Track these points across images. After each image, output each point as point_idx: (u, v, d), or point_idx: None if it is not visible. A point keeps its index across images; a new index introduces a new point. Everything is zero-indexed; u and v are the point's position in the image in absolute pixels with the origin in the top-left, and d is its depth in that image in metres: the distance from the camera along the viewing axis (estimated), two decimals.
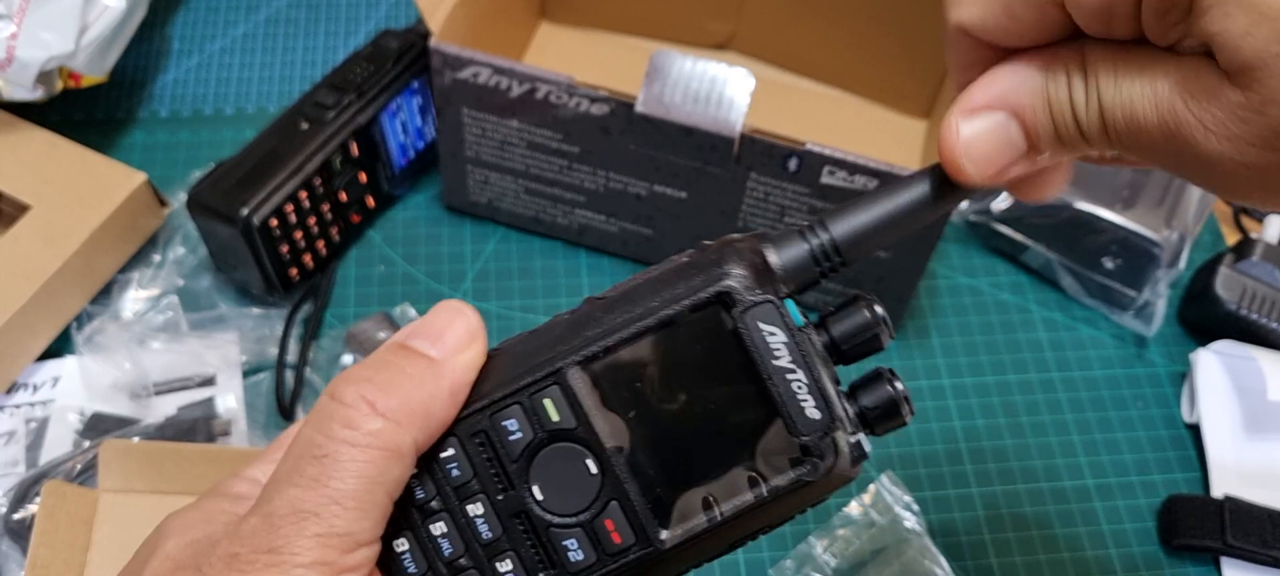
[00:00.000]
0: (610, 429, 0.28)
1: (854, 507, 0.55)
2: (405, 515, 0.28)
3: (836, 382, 0.28)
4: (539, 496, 0.28)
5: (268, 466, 0.29)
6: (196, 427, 0.54)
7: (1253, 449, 0.59)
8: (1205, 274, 0.64)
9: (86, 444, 0.53)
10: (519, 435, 0.28)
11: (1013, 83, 0.27)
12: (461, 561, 0.28)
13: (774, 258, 0.28)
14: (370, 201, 0.64)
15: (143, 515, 0.49)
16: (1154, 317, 0.63)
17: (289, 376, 0.58)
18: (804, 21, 0.70)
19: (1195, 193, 0.64)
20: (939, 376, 0.62)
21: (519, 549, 0.28)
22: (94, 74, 0.63)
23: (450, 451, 0.28)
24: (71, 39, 0.59)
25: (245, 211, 0.56)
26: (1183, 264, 0.63)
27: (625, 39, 0.74)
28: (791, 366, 0.27)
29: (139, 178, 0.59)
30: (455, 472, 0.28)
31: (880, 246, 0.29)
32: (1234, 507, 0.55)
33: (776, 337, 0.27)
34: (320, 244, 0.61)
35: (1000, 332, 0.64)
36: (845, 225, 0.29)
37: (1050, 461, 0.59)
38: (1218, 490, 0.58)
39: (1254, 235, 0.65)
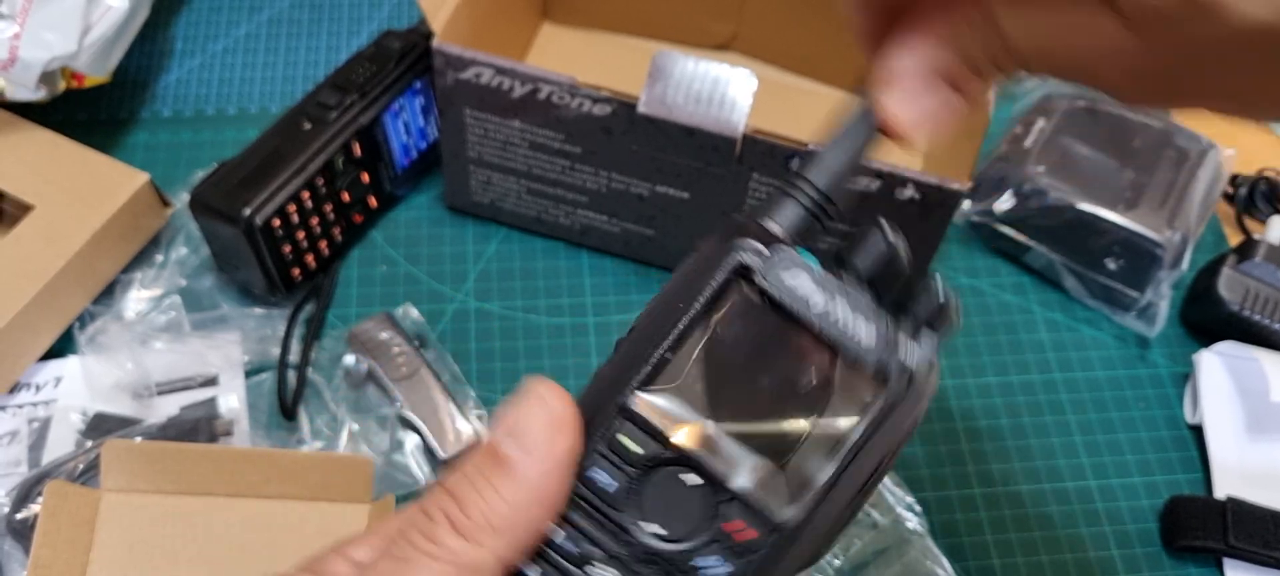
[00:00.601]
0: (693, 437, 0.27)
1: None
2: None
3: (879, 300, 0.28)
4: (660, 531, 0.27)
5: (365, 548, 0.28)
6: (199, 428, 0.55)
7: (1255, 450, 0.59)
8: (1208, 275, 0.64)
9: (89, 444, 0.53)
10: (613, 484, 0.27)
11: (928, 53, 0.28)
12: None
13: (772, 223, 0.29)
14: (372, 202, 0.64)
15: (145, 515, 0.49)
16: (1156, 318, 0.63)
17: (291, 376, 0.58)
18: (806, 22, 0.70)
19: (1198, 194, 0.64)
20: (941, 376, 0.62)
21: None
22: (97, 74, 0.63)
23: (556, 531, 0.27)
24: (74, 39, 0.59)
25: (247, 211, 0.56)
26: (1185, 265, 0.63)
27: (627, 39, 0.74)
28: (829, 301, 0.27)
29: (141, 178, 0.59)
30: (570, 548, 0.27)
31: (853, 180, 0.30)
32: (1236, 509, 0.55)
33: (804, 282, 0.27)
34: (323, 244, 0.61)
35: (1003, 333, 0.64)
36: (821, 171, 0.29)
37: (1052, 462, 0.59)
38: (1220, 491, 0.57)
39: (1257, 236, 0.65)
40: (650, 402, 0.27)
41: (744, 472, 0.27)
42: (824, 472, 0.27)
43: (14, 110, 0.62)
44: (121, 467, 0.50)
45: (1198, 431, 0.61)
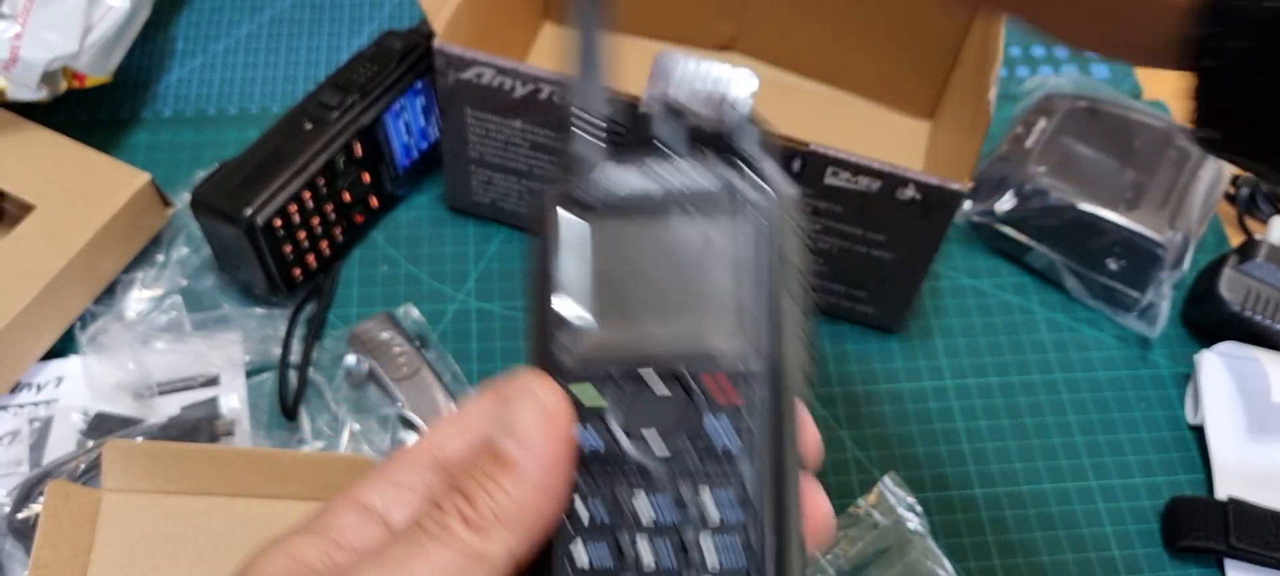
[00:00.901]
0: (632, 353, 0.28)
1: (857, 509, 0.55)
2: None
3: (704, 151, 0.29)
4: (663, 447, 0.28)
5: (380, 488, 0.28)
6: (200, 427, 0.55)
7: (1256, 450, 0.59)
8: (1209, 275, 0.64)
9: (90, 443, 0.54)
10: (599, 441, 0.28)
11: None
12: (657, 542, 0.28)
13: (572, 158, 0.29)
14: (373, 202, 0.64)
15: (146, 515, 0.49)
16: (1157, 319, 0.63)
17: (292, 377, 0.58)
18: (808, 22, 0.70)
19: (1199, 194, 0.64)
20: (942, 377, 0.62)
21: (694, 484, 0.28)
22: (98, 74, 0.63)
23: (580, 506, 0.28)
24: (76, 39, 0.59)
25: (249, 211, 0.56)
26: (1186, 265, 0.63)
27: (629, 39, 0.74)
28: (660, 178, 0.28)
29: (143, 178, 0.60)
30: (603, 515, 0.28)
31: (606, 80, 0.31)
32: (1238, 509, 0.55)
33: (629, 177, 0.28)
34: (323, 244, 0.61)
35: (1004, 334, 0.64)
36: (587, 98, 0.30)
37: (1053, 462, 0.59)
38: (1221, 492, 0.57)
39: (1258, 236, 0.65)
40: (581, 354, 0.28)
41: (689, 345, 0.28)
42: (744, 295, 0.28)
43: (15, 110, 0.62)
44: (122, 467, 0.50)
45: (1199, 432, 0.61)
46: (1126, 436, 0.60)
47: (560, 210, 0.28)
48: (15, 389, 0.56)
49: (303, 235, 0.59)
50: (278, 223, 0.57)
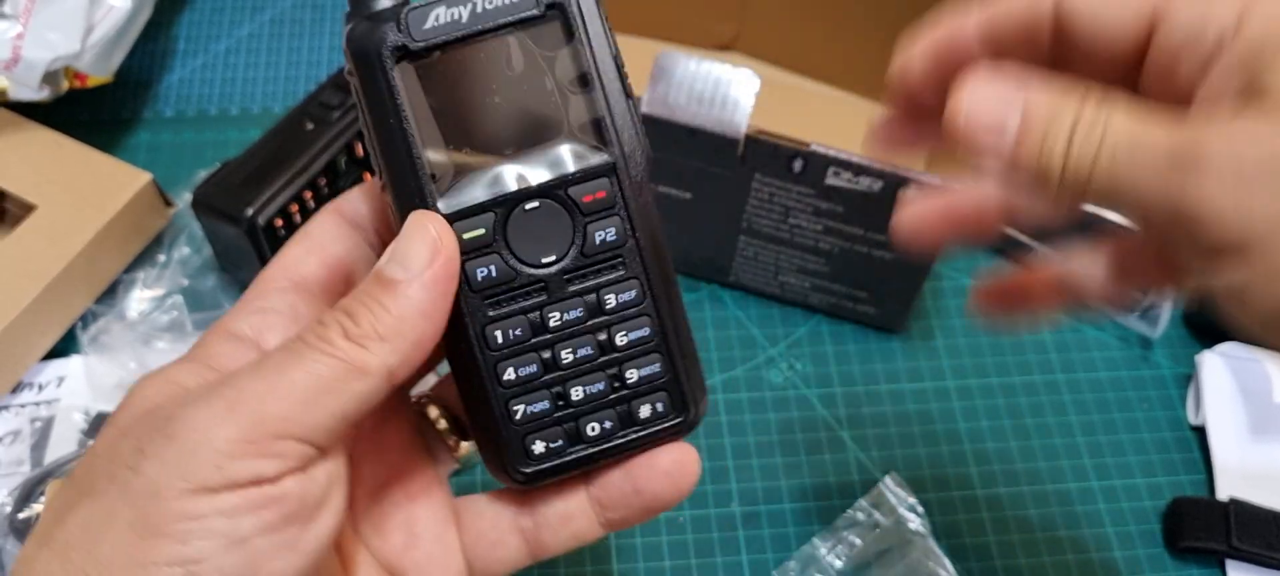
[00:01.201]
0: (501, 182, 0.30)
1: (858, 510, 0.55)
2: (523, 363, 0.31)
3: None
4: (551, 258, 0.30)
5: (246, 316, 0.30)
6: None
7: (1258, 451, 0.59)
8: None
9: (91, 443, 0.54)
10: (490, 268, 0.30)
11: (1035, 84, 0.29)
12: (582, 351, 0.31)
13: (369, 7, 0.30)
14: None
15: None
16: (1159, 319, 0.63)
17: None
18: (809, 23, 0.70)
19: None
20: (944, 378, 0.62)
21: (597, 281, 0.31)
22: (99, 74, 0.63)
23: (496, 333, 0.30)
24: (77, 39, 0.59)
25: (250, 211, 0.56)
26: None
27: (629, 40, 0.74)
28: (470, 6, 0.29)
29: (144, 178, 0.60)
30: (518, 333, 0.30)
31: None
32: (1239, 510, 0.55)
33: (440, 12, 0.29)
34: None
35: (1004, 334, 0.64)
36: None
37: (1055, 463, 0.59)
38: (1223, 492, 0.57)
39: None
40: (449, 195, 0.30)
41: (554, 161, 0.30)
42: (597, 100, 0.30)
43: (17, 110, 0.62)
44: None
45: (1200, 432, 0.60)
46: (1128, 437, 0.60)
47: (393, 61, 0.29)
48: (16, 388, 0.56)
49: None
50: (279, 223, 0.57)
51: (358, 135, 0.61)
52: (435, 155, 0.30)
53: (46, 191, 0.59)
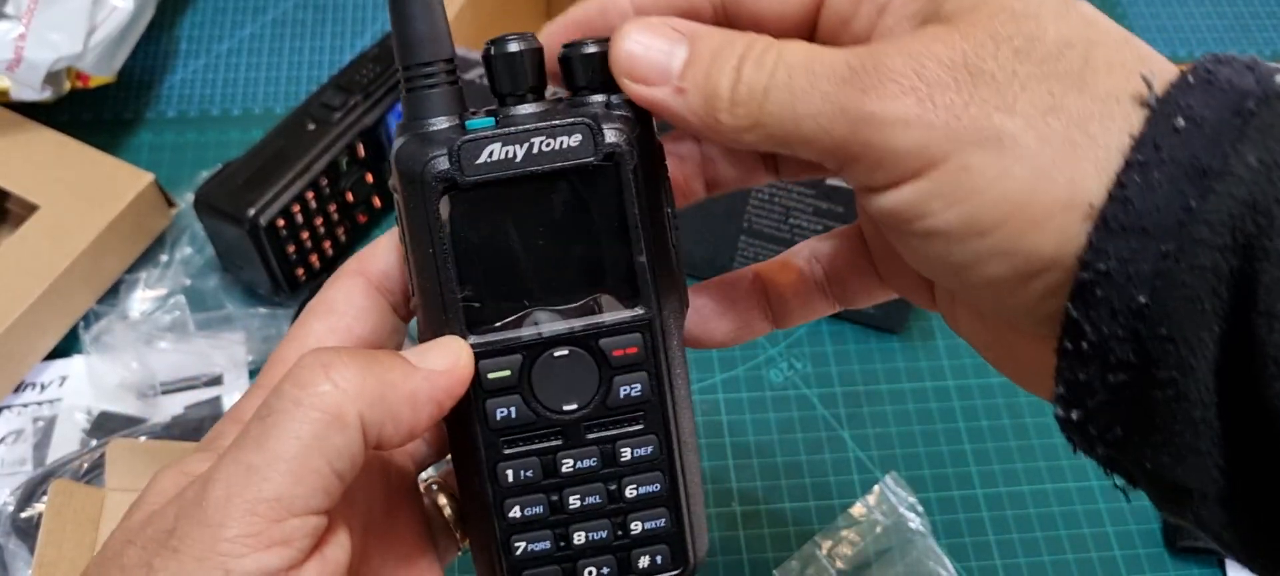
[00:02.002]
0: (532, 327, 0.29)
1: (858, 509, 0.55)
2: (529, 524, 0.30)
3: (560, 99, 0.29)
4: (574, 406, 0.30)
5: (255, 400, 0.29)
6: (203, 427, 0.55)
7: None
8: None
9: (93, 443, 0.54)
10: (511, 409, 0.29)
11: (699, 26, 0.28)
12: (590, 499, 0.30)
13: (431, 123, 0.29)
14: (376, 202, 0.64)
15: None
16: None
17: None
18: None
19: None
20: (944, 377, 0.62)
21: (616, 432, 0.30)
22: (102, 74, 0.63)
23: (508, 472, 0.30)
24: (80, 40, 0.59)
25: (252, 212, 0.56)
26: None
27: None
28: (525, 144, 0.27)
29: (146, 178, 0.60)
30: (529, 474, 0.30)
31: (433, 19, 0.29)
32: None
33: (495, 149, 0.27)
34: (327, 244, 0.61)
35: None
36: (412, 46, 0.29)
37: (1055, 462, 0.59)
38: None
39: None
40: (479, 332, 0.29)
41: (588, 310, 0.29)
42: (639, 254, 0.29)
43: (20, 110, 0.62)
44: (126, 466, 0.50)
45: None
46: None
47: (439, 191, 0.28)
48: (19, 388, 0.56)
49: (306, 235, 0.59)
50: (281, 223, 0.57)
51: (359, 136, 0.61)
52: (471, 288, 0.28)
53: (49, 192, 0.59)
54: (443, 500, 0.34)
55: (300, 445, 0.25)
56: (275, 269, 0.58)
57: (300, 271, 0.60)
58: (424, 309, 0.29)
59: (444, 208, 0.28)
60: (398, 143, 0.29)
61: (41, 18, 0.58)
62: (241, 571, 0.24)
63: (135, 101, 0.71)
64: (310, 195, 0.59)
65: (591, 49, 0.29)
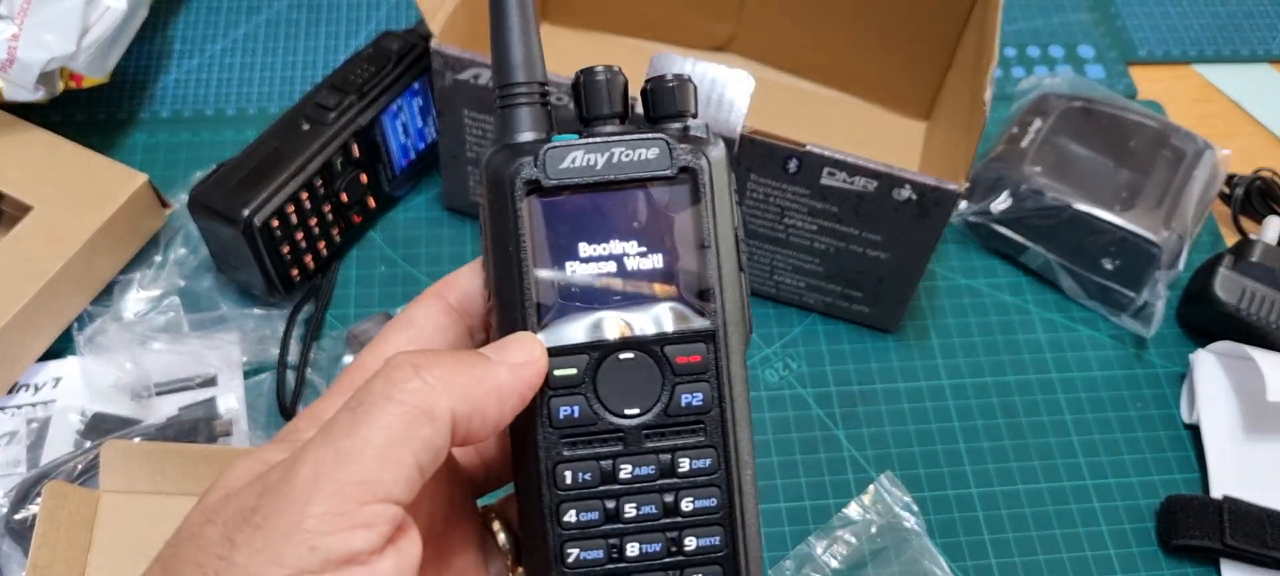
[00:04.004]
0: (601, 330, 0.30)
1: (853, 508, 0.55)
2: (583, 529, 0.30)
3: (641, 126, 0.31)
4: (635, 410, 0.30)
5: (338, 401, 0.29)
6: (198, 428, 0.55)
7: (1252, 449, 0.59)
8: (1204, 275, 0.64)
9: (88, 444, 0.54)
10: (576, 408, 0.30)
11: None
12: (646, 508, 0.31)
13: (520, 137, 0.31)
14: (371, 202, 0.64)
15: (144, 516, 0.49)
16: (1153, 318, 0.63)
17: (290, 377, 0.58)
18: (804, 23, 0.71)
19: (1194, 194, 0.65)
20: (938, 377, 0.62)
21: (675, 442, 0.31)
22: (95, 75, 0.63)
23: (567, 473, 0.30)
24: (73, 40, 0.59)
25: (247, 212, 0.56)
26: (1182, 265, 0.63)
27: (626, 40, 0.74)
28: (607, 156, 0.30)
29: (140, 179, 0.60)
30: (587, 477, 0.30)
31: (529, 43, 0.32)
32: (1233, 508, 0.56)
33: (578, 156, 0.30)
34: (321, 245, 0.61)
35: (999, 333, 0.64)
36: (509, 67, 0.31)
37: (1049, 462, 0.59)
38: (1217, 490, 0.58)
39: (1253, 236, 0.65)
40: (551, 331, 0.30)
41: (656, 318, 0.30)
42: (709, 267, 0.30)
43: (13, 111, 0.62)
44: (120, 468, 0.50)
45: (1194, 431, 0.61)
46: (1122, 435, 0.61)
47: (523, 193, 0.29)
48: (13, 389, 0.56)
49: (300, 236, 0.59)
50: (275, 223, 0.57)
51: (354, 136, 0.61)
52: (546, 289, 0.30)
53: (43, 192, 0.59)
54: (497, 526, 0.34)
55: (390, 434, 0.26)
56: (270, 269, 0.58)
57: (295, 272, 0.60)
58: (499, 308, 0.30)
59: (526, 209, 0.29)
60: (488, 155, 0.31)
61: (35, 18, 0.58)
62: (326, 549, 0.25)
63: (129, 102, 0.71)
64: (305, 196, 0.59)
65: (671, 81, 0.31)
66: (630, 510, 0.30)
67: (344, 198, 0.62)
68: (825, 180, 0.55)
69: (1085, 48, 0.80)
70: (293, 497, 0.25)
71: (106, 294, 0.60)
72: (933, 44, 0.68)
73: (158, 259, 0.62)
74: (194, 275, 0.62)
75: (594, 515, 0.30)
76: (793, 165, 0.55)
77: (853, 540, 0.54)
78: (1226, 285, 0.63)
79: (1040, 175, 0.64)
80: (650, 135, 0.30)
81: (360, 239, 0.65)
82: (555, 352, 0.30)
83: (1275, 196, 0.70)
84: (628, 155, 0.30)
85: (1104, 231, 0.62)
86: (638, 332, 0.30)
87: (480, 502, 0.35)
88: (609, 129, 0.31)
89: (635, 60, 0.61)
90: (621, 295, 0.30)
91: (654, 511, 0.31)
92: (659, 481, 0.31)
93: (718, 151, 0.31)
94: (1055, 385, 0.62)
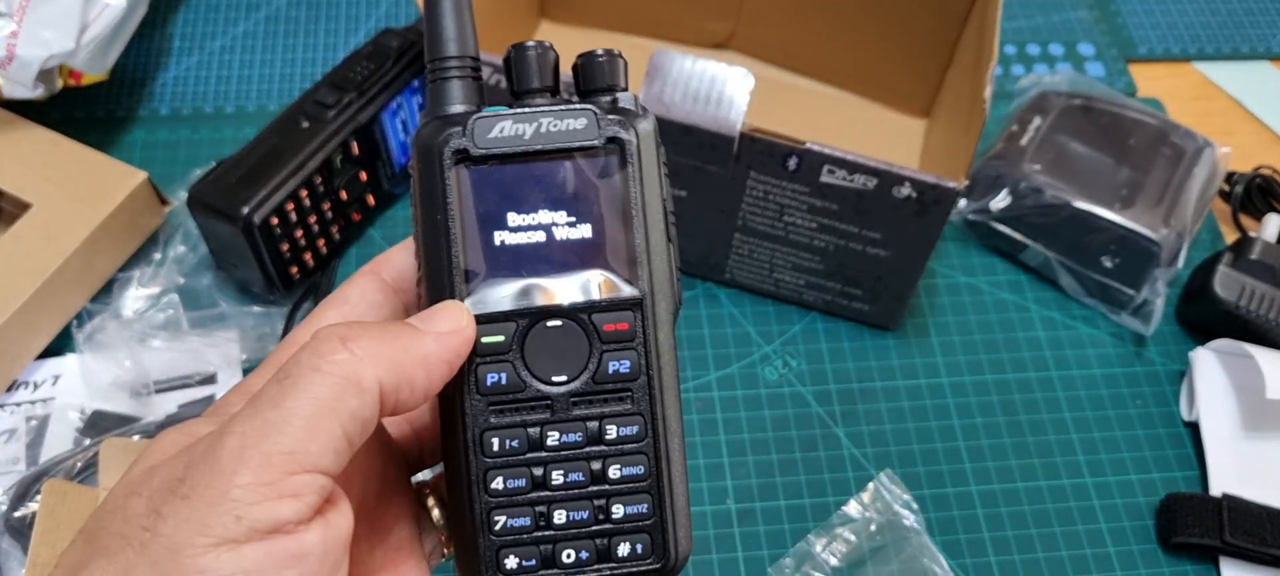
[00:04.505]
0: (527, 296, 0.30)
1: (853, 506, 0.55)
2: (510, 497, 0.31)
3: (571, 99, 0.32)
4: (562, 377, 0.31)
5: (266, 374, 0.30)
6: None
7: (1251, 447, 0.59)
8: (1204, 272, 0.64)
9: (87, 442, 0.54)
10: (502, 374, 0.30)
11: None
12: (573, 475, 0.31)
13: (450, 109, 0.31)
14: (371, 200, 0.64)
15: None
16: (1152, 316, 0.63)
17: None
18: (803, 21, 0.71)
19: (1194, 191, 0.65)
20: (938, 375, 0.62)
21: (602, 410, 0.31)
22: (95, 72, 0.63)
23: (494, 440, 0.30)
24: (72, 37, 0.59)
25: (246, 210, 0.56)
26: (1181, 262, 0.63)
27: (625, 38, 0.74)
28: (535, 126, 0.30)
29: (139, 176, 0.60)
30: (514, 443, 0.30)
31: (461, 19, 0.32)
32: (1232, 505, 0.56)
33: (506, 126, 0.30)
34: (321, 242, 0.61)
35: (999, 331, 0.64)
36: (440, 42, 0.32)
37: (1049, 459, 0.59)
38: (1216, 488, 0.58)
39: (1253, 234, 0.65)
40: (478, 298, 0.30)
41: (584, 285, 0.30)
42: (637, 236, 0.31)
43: (12, 108, 0.62)
44: (119, 466, 0.50)
45: (1194, 428, 0.61)
46: (1121, 433, 0.61)
47: (451, 163, 0.30)
48: (12, 387, 0.56)
49: (300, 233, 0.59)
50: (275, 221, 0.57)
51: (354, 133, 0.61)
52: (473, 258, 0.30)
53: (42, 190, 0.59)
54: (431, 502, 0.34)
55: (317, 405, 0.26)
56: (269, 267, 0.58)
57: (294, 269, 0.60)
58: (428, 277, 0.31)
59: (454, 179, 0.30)
60: (419, 126, 0.31)
61: (34, 15, 0.58)
62: (252, 518, 0.25)
63: (128, 99, 0.71)
64: (304, 193, 0.59)
65: (601, 56, 0.31)
66: (558, 477, 0.31)
67: (343, 195, 0.62)
68: (825, 178, 0.55)
69: (1085, 45, 0.80)
70: (219, 468, 0.25)
71: (106, 291, 0.60)
72: (933, 41, 0.68)
73: (157, 256, 0.62)
74: (193, 273, 0.62)
75: (521, 482, 0.31)
76: (792, 163, 0.55)
77: (852, 538, 0.54)
78: (1226, 283, 0.63)
79: (1040, 173, 0.64)
80: (578, 106, 0.30)
81: (360, 236, 0.65)
82: (483, 320, 0.30)
83: (1275, 194, 0.70)
84: (556, 125, 0.30)
85: (1104, 229, 0.62)
86: (565, 300, 0.30)
87: (415, 479, 0.35)
88: (539, 102, 0.31)
89: (635, 58, 0.60)
90: (550, 263, 0.30)
91: (581, 479, 0.31)
92: (586, 448, 0.31)
93: (647, 125, 0.31)
94: (1055, 383, 0.62)
